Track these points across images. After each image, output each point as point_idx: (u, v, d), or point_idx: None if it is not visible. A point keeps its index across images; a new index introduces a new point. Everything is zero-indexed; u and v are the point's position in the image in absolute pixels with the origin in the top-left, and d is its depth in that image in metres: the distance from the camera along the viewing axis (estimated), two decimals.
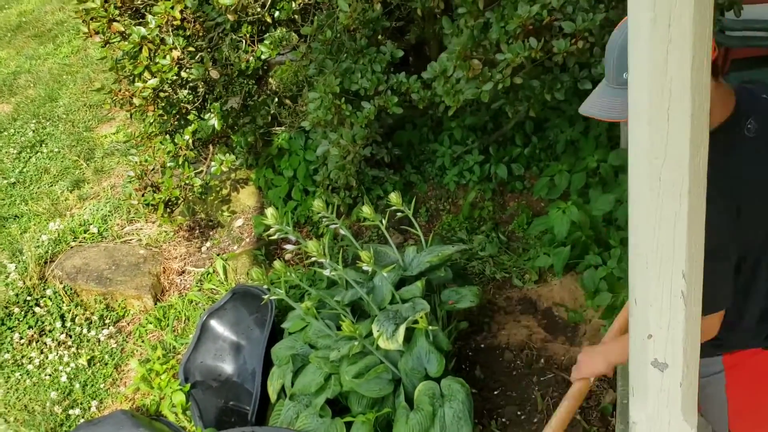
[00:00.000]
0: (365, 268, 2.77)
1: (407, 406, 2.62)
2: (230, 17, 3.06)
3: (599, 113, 1.69)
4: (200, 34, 3.22)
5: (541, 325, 3.30)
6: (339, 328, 2.74)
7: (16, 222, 4.76)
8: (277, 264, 2.83)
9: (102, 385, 3.54)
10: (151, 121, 3.50)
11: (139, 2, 3.33)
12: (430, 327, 2.67)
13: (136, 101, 3.17)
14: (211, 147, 4.18)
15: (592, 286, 3.10)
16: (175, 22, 3.09)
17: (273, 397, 2.96)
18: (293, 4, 3.19)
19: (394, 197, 3.01)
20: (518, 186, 4.00)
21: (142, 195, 3.60)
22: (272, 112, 3.88)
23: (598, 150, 3.66)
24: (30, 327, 3.87)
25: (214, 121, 3.48)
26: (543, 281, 3.48)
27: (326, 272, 2.82)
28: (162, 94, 3.26)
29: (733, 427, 2.00)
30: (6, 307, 3.94)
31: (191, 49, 3.17)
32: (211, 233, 4.34)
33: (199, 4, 3.22)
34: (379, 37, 3.38)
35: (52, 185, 5.13)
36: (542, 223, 3.53)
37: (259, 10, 3.16)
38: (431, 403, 2.57)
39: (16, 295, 3.98)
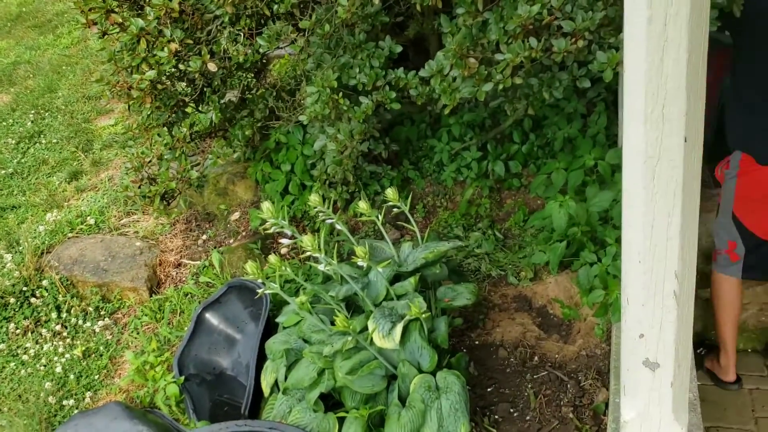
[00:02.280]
0: (360, 263, 2.77)
1: (399, 404, 2.62)
2: (228, 9, 3.04)
3: None
4: (199, 26, 3.21)
5: (536, 322, 3.30)
6: (333, 323, 2.74)
7: (14, 212, 4.76)
8: (272, 258, 2.83)
9: (96, 377, 3.54)
10: (149, 113, 3.49)
11: None
12: (424, 315, 2.68)
13: (134, 93, 3.16)
14: (208, 140, 4.18)
15: (587, 284, 3.11)
16: (173, 14, 3.08)
17: (266, 391, 2.96)
18: None
19: (390, 193, 3.01)
20: (515, 183, 4.01)
21: (139, 187, 3.59)
22: (270, 105, 3.87)
23: (596, 148, 3.66)
24: (26, 317, 3.87)
25: (212, 115, 3.48)
26: (538, 279, 3.49)
27: (321, 267, 2.82)
28: (159, 86, 3.25)
29: (736, 209, 2.97)
30: (2, 297, 3.94)
31: (189, 41, 3.16)
32: (207, 226, 4.34)
33: None
34: (378, 32, 3.37)
35: (50, 176, 5.13)
36: (539, 216, 3.54)
37: (258, 3, 3.15)
38: (422, 400, 2.57)
39: (13, 285, 3.98)
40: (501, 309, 3.41)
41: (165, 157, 3.63)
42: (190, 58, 3.20)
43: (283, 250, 3.95)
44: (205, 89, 3.60)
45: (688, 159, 1.39)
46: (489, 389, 3.00)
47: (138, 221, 4.46)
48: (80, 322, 3.84)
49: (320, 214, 2.94)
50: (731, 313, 3.15)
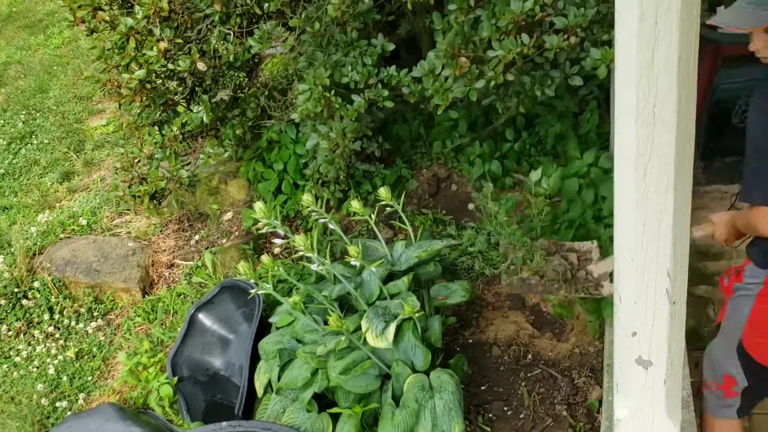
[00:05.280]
0: (353, 262, 2.76)
1: (393, 403, 2.61)
2: (218, 8, 3.03)
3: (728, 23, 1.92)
4: (188, 25, 3.19)
5: (529, 321, 3.30)
6: (327, 323, 2.73)
7: (5, 214, 4.73)
8: (265, 258, 2.82)
9: (89, 378, 3.52)
10: (139, 111, 3.47)
11: None
12: (417, 314, 2.67)
13: (124, 92, 3.14)
14: (200, 139, 4.16)
15: None
16: (163, 13, 3.07)
17: (260, 391, 2.95)
18: None
19: (383, 192, 3.00)
20: (508, 182, 4.00)
21: (129, 186, 3.58)
22: (262, 104, 3.86)
23: (588, 145, 3.65)
24: (18, 319, 3.85)
25: (203, 115, 3.46)
26: None
27: (314, 267, 2.81)
28: (148, 85, 3.23)
29: (745, 338, 2.21)
30: None
31: (179, 40, 3.15)
32: (200, 226, 4.32)
33: None
34: (371, 30, 3.36)
35: (41, 177, 5.10)
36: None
37: (248, 1, 3.14)
38: (416, 400, 2.57)
39: (4, 287, 3.96)
40: (494, 307, 3.41)
41: (156, 156, 3.62)
42: (179, 57, 3.18)
43: (276, 250, 3.94)
44: (196, 88, 3.58)
45: (680, 157, 1.39)
46: (483, 387, 3.00)
47: (130, 222, 4.44)
48: (73, 323, 3.82)
49: (313, 214, 2.93)
50: None
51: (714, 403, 2.44)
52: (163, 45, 3.04)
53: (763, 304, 2.15)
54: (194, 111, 3.51)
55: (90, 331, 3.76)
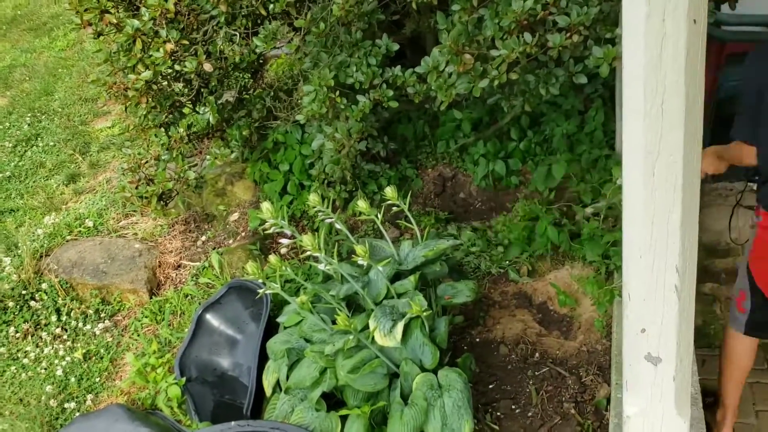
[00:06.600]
0: (360, 262, 2.76)
1: (402, 402, 2.62)
2: (223, 9, 3.04)
3: None
4: (194, 26, 3.20)
5: (536, 319, 3.31)
6: (334, 323, 2.74)
7: (12, 216, 4.75)
8: (272, 258, 2.82)
9: (97, 379, 3.54)
10: (145, 113, 3.49)
11: None
12: (425, 313, 2.68)
13: (130, 93, 3.15)
14: (206, 140, 4.17)
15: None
16: (169, 15, 3.08)
17: (268, 391, 2.96)
18: None
19: (389, 191, 3.01)
20: (514, 181, 4.00)
21: (136, 187, 3.59)
22: (268, 105, 3.87)
23: (594, 143, 3.66)
24: (25, 321, 3.86)
25: (209, 116, 3.47)
26: (538, 276, 3.49)
27: (321, 266, 2.82)
28: (155, 87, 3.24)
29: (750, 260, 2.66)
30: (1, 301, 3.93)
31: (185, 42, 3.16)
32: (206, 227, 4.34)
33: None
34: (375, 30, 3.37)
35: (47, 179, 5.12)
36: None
37: (253, 2, 3.15)
38: (425, 398, 2.57)
39: (12, 288, 3.97)
40: (501, 306, 3.41)
41: (162, 157, 3.63)
42: (185, 58, 3.19)
43: (283, 250, 3.94)
44: (201, 90, 3.59)
45: (688, 154, 1.39)
46: (491, 386, 3.01)
47: (137, 223, 4.46)
48: (80, 324, 3.83)
49: (319, 214, 2.93)
50: (735, 373, 2.87)
51: (731, 314, 2.83)
52: (169, 46, 3.05)
53: (763, 232, 2.59)
54: (200, 112, 3.52)
55: (97, 333, 3.78)
